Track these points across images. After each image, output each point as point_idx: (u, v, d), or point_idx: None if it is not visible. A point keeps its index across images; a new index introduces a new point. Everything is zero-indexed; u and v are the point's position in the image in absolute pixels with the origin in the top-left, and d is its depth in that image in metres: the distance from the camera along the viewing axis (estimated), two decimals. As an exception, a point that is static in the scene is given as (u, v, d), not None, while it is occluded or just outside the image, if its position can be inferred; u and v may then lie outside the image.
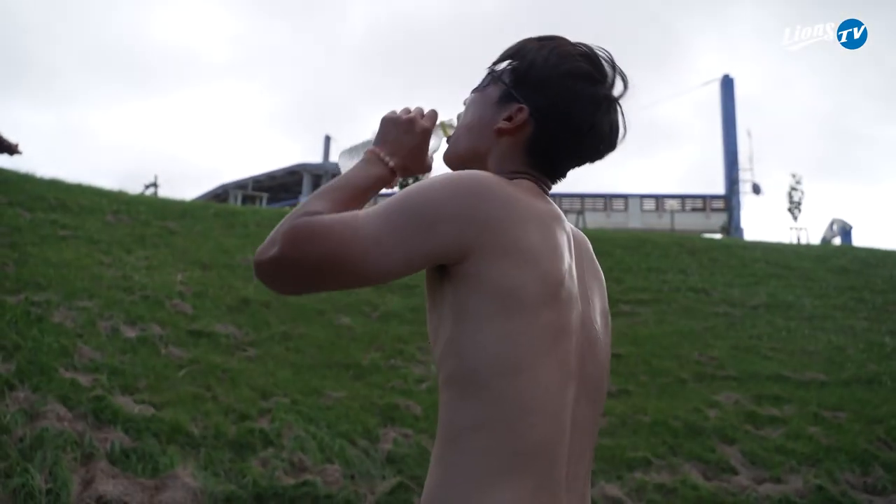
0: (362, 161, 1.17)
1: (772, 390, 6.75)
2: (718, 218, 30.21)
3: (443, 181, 1.01)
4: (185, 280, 7.33)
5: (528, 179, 1.12)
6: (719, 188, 32.54)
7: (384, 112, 1.23)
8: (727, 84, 32.75)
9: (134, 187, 18.22)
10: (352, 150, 1.28)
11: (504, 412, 0.94)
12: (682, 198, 32.56)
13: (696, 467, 5.26)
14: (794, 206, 30.12)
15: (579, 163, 1.19)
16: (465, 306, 0.98)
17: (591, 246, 1.20)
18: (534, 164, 1.14)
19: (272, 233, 0.99)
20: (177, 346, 5.80)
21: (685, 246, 12.80)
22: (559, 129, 1.12)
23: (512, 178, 1.09)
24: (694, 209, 32.27)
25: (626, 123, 1.16)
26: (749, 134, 39.15)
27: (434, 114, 1.23)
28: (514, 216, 0.98)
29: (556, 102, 1.11)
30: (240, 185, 32.06)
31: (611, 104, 1.13)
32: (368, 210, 1.01)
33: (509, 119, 1.14)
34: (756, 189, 30.10)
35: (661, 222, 29.28)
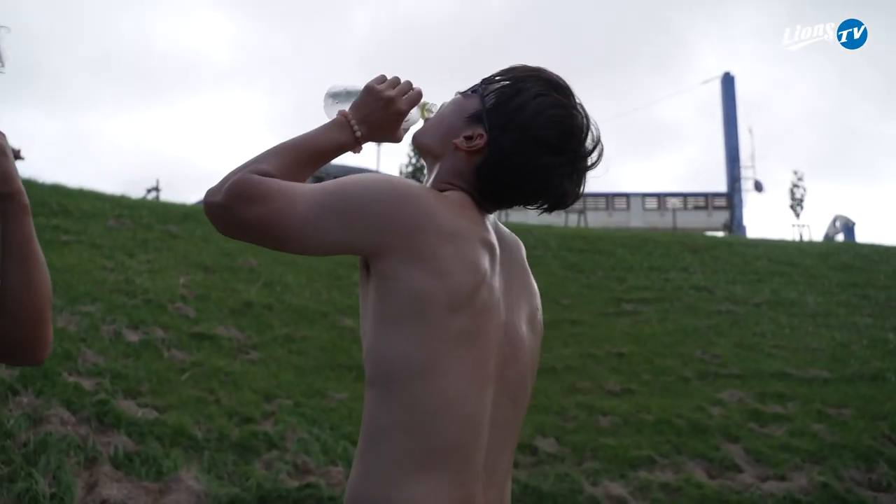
0: (331, 123, 1.24)
1: (775, 388, 6.74)
2: (721, 216, 30.23)
3: (379, 182, 1.08)
4: (188, 283, 7.34)
5: (466, 194, 1.16)
6: (721, 186, 32.55)
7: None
8: (728, 82, 32.78)
9: (136, 192, 18.26)
10: (338, 95, 1.30)
11: (417, 414, 1.02)
12: (685, 196, 32.59)
13: (700, 465, 5.25)
14: (797, 203, 30.17)
15: (522, 205, 1.21)
16: (381, 308, 1.05)
17: (523, 253, 1.27)
18: (476, 187, 1.17)
19: (225, 176, 1.10)
20: (179, 349, 5.80)
21: (687, 244, 12.79)
22: (506, 175, 1.15)
23: (447, 189, 1.16)
24: (696, 207, 32.32)
25: (583, 187, 1.19)
26: (750, 132, 39.30)
27: (416, 97, 1.26)
28: (433, 229, 1.04)
29: (513, 153, 1.13)
30: (242, 189, 32.15)
31: (566, 175, 1.15)
32: (310, 187, 1.09)
33: (469, 138, 1.16)
34: (758, 186, 30.12)
35: (664, 221, 29.28)
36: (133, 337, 5.74)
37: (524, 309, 1.19)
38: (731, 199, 30.79)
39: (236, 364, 5.79)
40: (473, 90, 1.22)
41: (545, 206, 1.20)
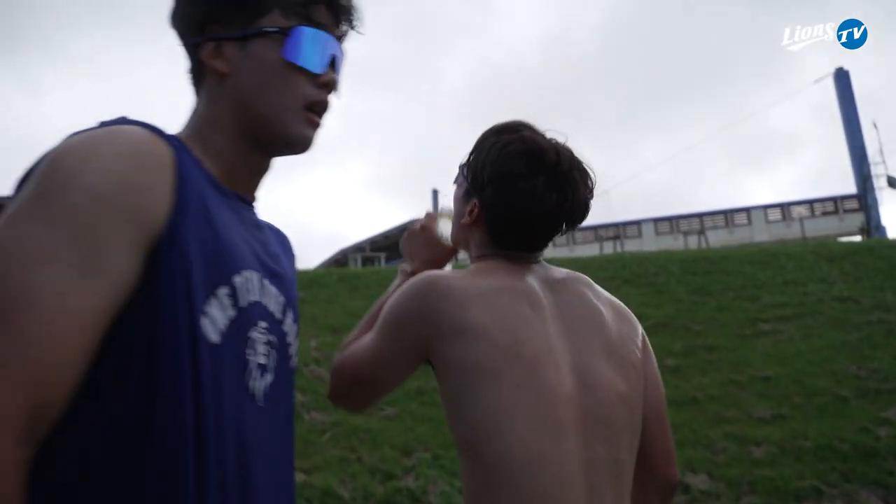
0: (397, 279, 1.45)
1: (950, 400, 6.10)
2: (854, 219, 28.15)
3: (401, 291, 1.22)
4: (319, 346, 7.62)
5: (496, 258, 1.29)
6: (850, 188, 30.44)
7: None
8: (842, 77, 30.87)
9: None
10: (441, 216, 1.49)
11: (497, 475, 1.07)
12: (810, 203, 30.70)
13: (875, 493, 4.80)
14: (941, 195, 27.62)
15: (545, 236, 1.29)
16: (443, 388, 1.16)
17: (587, 286, 1.31)
18: (500, 244, 1.29)
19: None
20: (318, 411, 6.00)
21: (822, 253, 11.98)
22: (503, 220, 1.26)
23: (482, 260, 1.30)
24: (825, 213, 30.31)
25: (576, 193, 1.25)
26: (875, 126, 36.58)
27: (430, 215, 1.49)
28: (454, 302, 1.14)
29: (498, 199, 1.26)
30: (358, 248, 33.24)
31: (548, 190, 1.23)
32: (370, 334, 1.26)
33: (471, 212, 1.31)
34: (892, 183, 27.88)
35: (791, 231, 27.63)
36: (275, 403, 5.99)
37: (596, 343, 1.21)
38: (864, 200, 28.62)
39: (373, 421, 5.91)
40: (457, 178, 1.38)
41: (564, 227, 1.27)
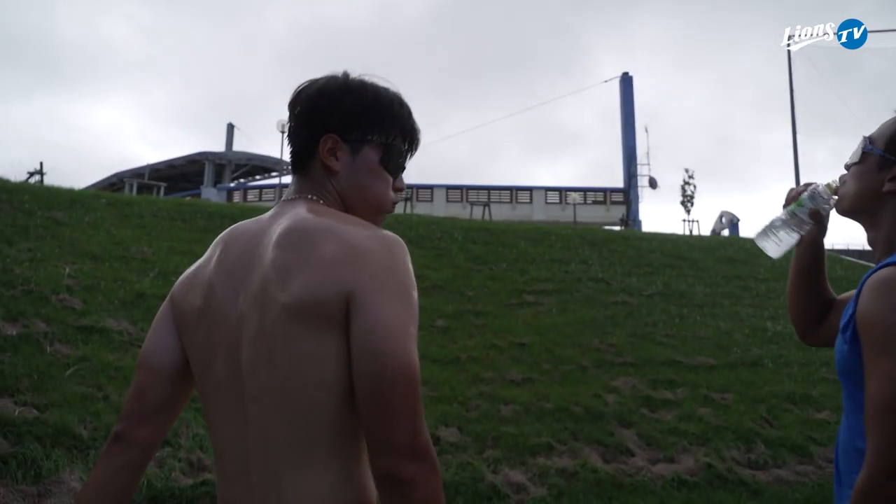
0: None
1: (666, 375, 7.07)
2: (618, 210, 31.35)
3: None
4: (74, 273, 6.92)
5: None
6: (619, 182, 33.78)
7: None
8: (626, 81, 33.97)
9: (19, 177, 16.93)
10: (765, 232, 1.62)
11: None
12: (584, 191, 33.58)
13: (595, 451, 5.44)
14: (687, 200, 31.84)
15: None
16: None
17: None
18: None
19: None
20: (64, 343, 5.46)
21: (586, 237, 13.20)
22: None
23: None
24: (595, 202, 33.37)
25: None
26: (646, 131, 40.72)
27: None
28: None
29: None
30: (136, 174, 30.58)
31: None
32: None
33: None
34: (652, 183, 31.44)
35: (565, 214, 30.05)
36: (11, 330, 5.36)
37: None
38: (628, 195, 31.99)
39: (127, 358, 5.51)
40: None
41: None
